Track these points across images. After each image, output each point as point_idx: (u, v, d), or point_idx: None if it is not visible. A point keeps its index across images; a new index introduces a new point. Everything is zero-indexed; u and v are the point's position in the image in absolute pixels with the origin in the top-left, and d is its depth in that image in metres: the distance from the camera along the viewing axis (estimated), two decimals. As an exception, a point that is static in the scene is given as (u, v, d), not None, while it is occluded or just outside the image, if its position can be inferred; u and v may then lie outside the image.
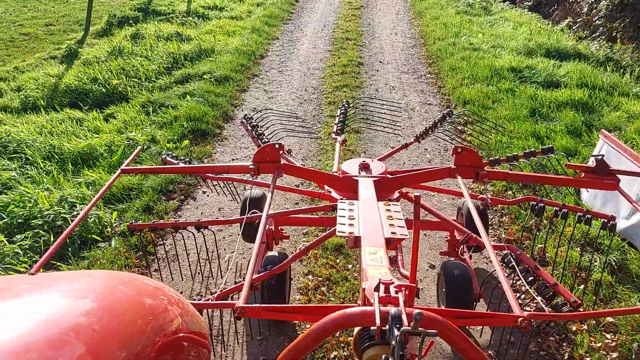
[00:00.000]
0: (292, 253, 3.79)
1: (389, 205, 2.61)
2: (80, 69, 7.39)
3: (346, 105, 4.21)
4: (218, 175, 3.48)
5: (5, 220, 3.85)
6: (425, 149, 5.45)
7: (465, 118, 6.11)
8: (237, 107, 6.63)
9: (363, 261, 2.16)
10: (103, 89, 6.75)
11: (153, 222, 3.12)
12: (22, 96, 6.68)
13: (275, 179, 3.08)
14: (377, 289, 1.78)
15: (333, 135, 3.90)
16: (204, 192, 4.60)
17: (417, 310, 1.28)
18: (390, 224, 2.43)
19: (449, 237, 3.47)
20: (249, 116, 3.84)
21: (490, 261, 3.33)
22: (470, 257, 3.53)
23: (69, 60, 8.06)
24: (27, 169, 4.76)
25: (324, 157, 5.28)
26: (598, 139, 4.70)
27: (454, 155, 3.06)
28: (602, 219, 2.94)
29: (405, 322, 1.45)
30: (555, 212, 2.98)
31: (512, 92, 6.60)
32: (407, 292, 1.72)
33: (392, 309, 1.48)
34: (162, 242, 3.96)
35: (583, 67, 7.23)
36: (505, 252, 2.90)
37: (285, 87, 7.33)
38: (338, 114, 4.14)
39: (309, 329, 1.56)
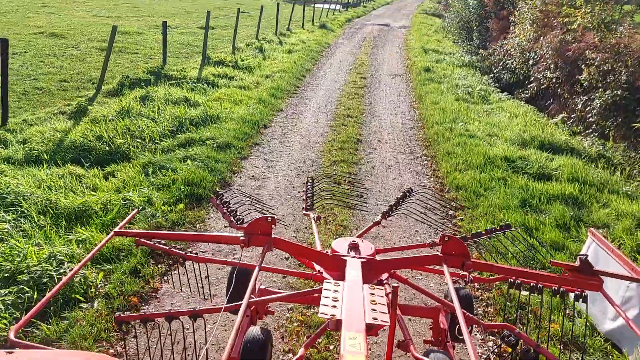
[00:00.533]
0: (276, 329, 3.77)
1: (374, 289, 2.64)
2: (87, 126, 7.60)
3: (312, 182, 4.33)
4: (201, 257, 3.50)
5: (-9, 273, 3.85)
6: (416, 230, 5.52)
7: (456, 203, 6.23)
8: (236, 174, 6.77)
9: (342, 346, 2.17)
10: (107, 147, 6.91)
11: (143, 313, 3.03)
12: (26, 148, 6.82)
13: (264, 252, 3.12)
14: (349, 381, 1.79)
15: (303, 212, 3.98)
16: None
17: None
18: (372, 309, 2.45)
19: (432, 325, 3.46)
20: (219, 193, 3.92)
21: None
22: (454, 347, 3.51)
23: (78, 117, 8.29)
24: (21, 222, 4.79)
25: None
26: (587, 236, 4.78)
27: (441, 244, 3.12)
28: (575, 292, 3.05)
29: None
30: (531, 287, 3.09)
31: (504, 181, 6.76)
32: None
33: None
34: (144, 307, 3.93)
35: (575, 162, 7.45)
36: (505, 331, 2.91)
37: (285, 158, 7.51)
38: (305, 190, 4.24)
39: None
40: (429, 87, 12.75)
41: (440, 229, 5.44)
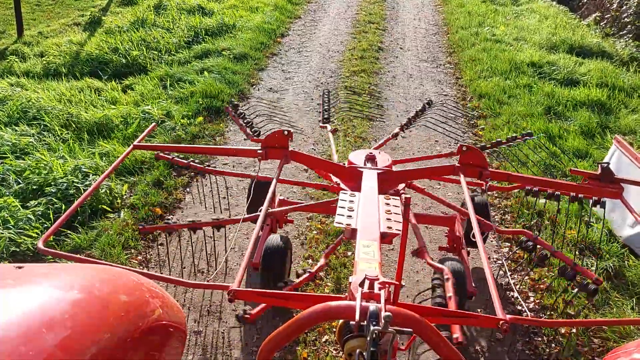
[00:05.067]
0: (296, 237, 3.89)
1: (389, 199, 2.67)
2: (102, 37, 7.48)
3: (328, 94, 4.27)
4: (220, 170, 3.57)
5: (20, 185, 3.99)
6: (436, 141, 5.46)
7: (479, 112, 6.10)
8: (254, 86, 6.68)
9: (356, 253, 2.23)
10: (123, 60, 6.84)
11: (167, 224, 3.14)
12: (44, 62, 6.80)
13: (282, 164, 3.16)
14: (362, 284, 1.85)
15: (320, 125, 3.96)
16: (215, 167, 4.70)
17: (387, 313, 1.35)
18: (387, 219, 2.49)
19: (448, 232, 3.53)
20: (235, 103, 3.88)
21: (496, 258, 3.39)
22: (468, 253, 3.59)
23: (92, 28, 8.15)
24: (45, 136, 4.89)
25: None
26: (612, 143, 4.68)
27: (459, 154, 3.09)
28: (593, 198, 3.07)
29: (383, 318, 1.53)
30: (548, 194, 3.13)
31: (529, 88, 6.54)
32: (390, 290, 1.79)
33: (372, 306, 1.55)
34: (169, 217, 4.08)
35: (605, 66, 7.12)
36: (522, 237, 2.99)
37: (304, 68, 7.34)
38: (321, 102, 4.19)
39: (292, 318, 1.64)
40: (454, -12, 12.02)
41: (460, 139, 5.38)
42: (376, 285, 1.82)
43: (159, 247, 3.65)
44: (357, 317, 1.55)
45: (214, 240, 3.27)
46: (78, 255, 2.60)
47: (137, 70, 6.68)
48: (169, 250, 3.54)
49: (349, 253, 3.74)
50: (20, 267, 1.01)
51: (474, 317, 2.04)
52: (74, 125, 5.12)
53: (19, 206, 3.72)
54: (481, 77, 6.95)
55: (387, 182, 3.13)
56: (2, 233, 3.40)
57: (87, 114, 5.31)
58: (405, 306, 1.94)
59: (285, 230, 3.92)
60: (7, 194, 3.89)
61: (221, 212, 4.03)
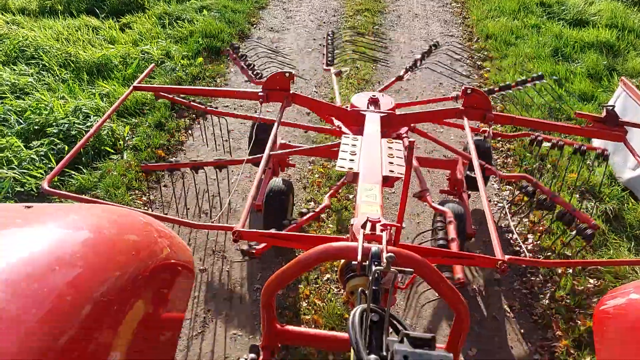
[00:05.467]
0: (298, 181, 3.91)
1: (392, 143, 2.66)
2: (97, -27, 7.22)
3: (331, 36, 4.16)
4: (221, 111, 3.53)
5: (22, 126, 3.97)
6: (440, 83, 5.38)
7: (485, 54, 5.97)
8: (254, 26, 6.51)
9: (358, 196, 2.25)
10: (120, -4, 6.63)
11: (168, 163, 3.12)
12: (39, -2, 6.61)
13: (283, 107, 3.12)
14: (364, 226, 1.88)
15: (324, 67, 3.88)
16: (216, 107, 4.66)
17: (390, 254, 1.38)
18: (389, 162, 2.49)
19: (449, 176, 3.54)
20: (236, 45, 3.79)
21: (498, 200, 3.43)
22: (469, 196, 3.62)
23: (86, -37, 7.84)
24: (44, 76, 4.82)
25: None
26: (618, 86, 4.61)
27: (463, 96, 3.06)
28: (597, 151, 3.09)
29: (384, 258, 1.56)
30: (552, 144, 3.12)
31: (537, 29, 6.37)
32: (392, 232, 1.82)
33: (374, 247, 1.58)
34: (172, 159, 4.09)
35: (616, 6, 6.89)
36: (523, 182, 3.02)
37: (306, 7, 7.13)
38: (325, 44, 4.09)
39: (296, 258, 1.68)
40: None
41: (464, 82, 5.29)
42: (378, 227, 1.84)
43: (163, 188, 3.68)
44: (359, 257, 1.59)
45: (217, 182, 3.29)
46: (83, 196, 2.62)
47: (134, 8, 6.50)
48: (173, 191, 3.56)
49: (351, 196, 3.77)
50: (29, 207, 1.01)
51: (473, 258, 2.09)
52: (72, 65, 5.04)
53: (22, 147, 3.72)
54: (489, 17, 6.75)
55: (390, 126, 3.11)
56: (7, 173, 3.42)
57: (86, 53, 5.21)
58: (406, 247, 1.98)
59: (287, 174, 3.93)
60: (10, 134, 3.89)
61: (223, 154, 4.04)
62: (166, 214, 3.44)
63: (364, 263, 1.59)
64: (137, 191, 3.67)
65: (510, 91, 3.70)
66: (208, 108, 3.38)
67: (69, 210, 1.09)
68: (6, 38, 5.32)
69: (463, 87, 3.05)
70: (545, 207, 2.83)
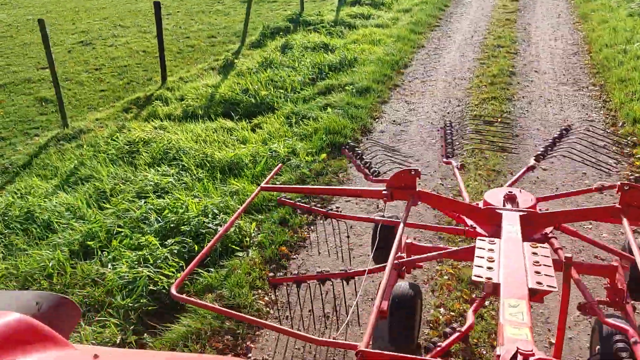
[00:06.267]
0: (425, 282, 3.62)
1: (536, 247, 2.33)
2: (234, 79, 7.93)
3: (450, 126, 3.93)
4: (342, 214, 3.44)
5: (160, 224, 4.22)
6: (583, 173, 4.87)
7: (635, 139, 5.37)
8: (377, 120, 6.57)
9: (501, 314, 1.94)
10: (252, 100, 7.15)
11: (296, 275, 3.07)
12: (183, 105, 7.35)
13: (409, 206, 2.95)
14: (514, 359, 1.57)
15: (444, 160, 3.65)
16: (337, 207, 4.61)
17: None
18: (536, 272, 2.16)
19: (607, 284, 3.03)
20: (351, 144, 3.75)
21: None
22: (634, 308, 3.05)
23: (225, 71, 8.69)
24: (182, 175, 5.19)
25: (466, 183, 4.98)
26: None
27: (619, 193, 2.65)
28: None
29: None
30: None
31: (698, 109, 5.64)
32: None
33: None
34: (295, 256, 4.04)
35: None
36: None
37: (428, 99, 7.10)
38: (443, 135, 3.87)
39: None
40: (594, 3, 11.04)
41: (611, 172, 4.74)
42: (532, 363, 1.53)
43: (286, 287, 3.60)
44: None
45: (343, 292, 3.13)
46: (208, 303, 2.61)
47: (265, 109, 6.94)
48: (297, 298, 3.44)
49: (486, 302, 3.37)
50: (96, 357, 0.90)
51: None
52: (208, 165, 5.39)
53: (158, 245, 3.92)
54: (634, 99, 6.15)
55: (532, 226, 2.77)
56: (142, 272, 3.59)
57: (220, 153, 5.57)
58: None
59: (413, 275, 3.67)
60: (149, 232, 4.14)
61: (348, 252, 3.89)
62: (288, 315, 3.32)
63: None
64: (260, 290, 3.63)
65: None
66: (329, 212, 3.32)
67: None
68: (153, 142, 5.90)
69: (619, 183, 2.66)
70: None
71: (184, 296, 2.45)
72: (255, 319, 2.29)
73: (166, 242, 3.99)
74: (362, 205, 4.66)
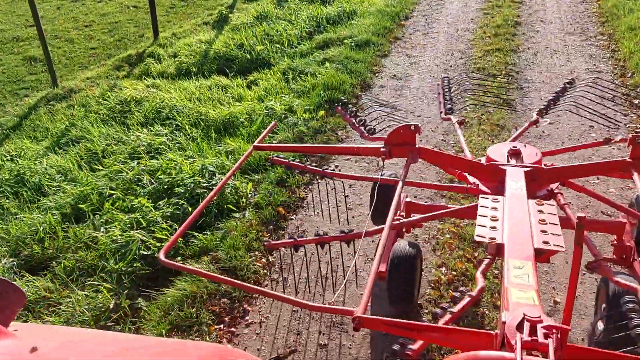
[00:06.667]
0: (426, 242, 3.52)
1: (542, 205, 2.21)
2: (229, 35, 7.64)
3: (448, 81, 3.73)
4: (339, 173, 3.31)
5: (154, 186, 4.10)
6: (590, 126, 4.70)
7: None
8: (376, 74, 6.35)
9: (505, 277, 1.83)
10: (248, 55, 6.90)
11: (293, 240, 2.90)
12: (177, 62, 7.10)
13: (408, 164, 2.81)
14: (520, 327, 1.47)
15: (442, 116, 3.47)
16: (336, 166, 4.48)
17: None
18: (542, 230, 2.04)
19: (615, 241, 2.92)
20: (345, 101, 3.56)
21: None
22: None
23: (220, 26, 8.38)
24: (176, 135, 5.03)
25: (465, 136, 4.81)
26: None
27: (630, 146, 2.51)
28: None
29: None
30: None
31: None
32: (558, 336, 1.39)
33: (540, 367, 1.19)
34: (292, 217, 3.94)
35: None
36: None
37: (430, 52, 6.84)
38: (440, 92, 3.68)
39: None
40: (604, -53, 10.53)
41: (620, 124, 4.56)
42: (540, 331, 1.42)
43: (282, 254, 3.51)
44: None
45: (341, 251, 3.02)
46: (196, 268, 2.51)
47: (261, 65, 6.70)
48: (292, 262, 3.35)
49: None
50: (34, 350, 0.78)
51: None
52: (202, 124, 5.22)
53: (152, 207, 3.81)
54: (644, 48, 5.90)
55: (538, 182, 2.64)
56: (134, 235, 3.49)
57: (215, 111, 5.39)
58: (576, 350, 1.52)
59: (413, 234, 3.57)
60: (142, 194, 4.03)
61: (343, 212, 3.78)
62: (285, 277, 3.24)
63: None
64: (257, 252, 3.54)
65: None
66: (326, 171, 3.17)
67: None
68: (146, 101, 5.70)
69: (631, 135, 2.50)
70: None
71: (172, 261, 2.35)
72: (244, 283, 2.19)
73: (159, 205, 3.87)
74: (362, 163, 4.53)
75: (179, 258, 3.44)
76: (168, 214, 3.74)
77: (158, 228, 3.57)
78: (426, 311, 2.99)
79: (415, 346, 1.96)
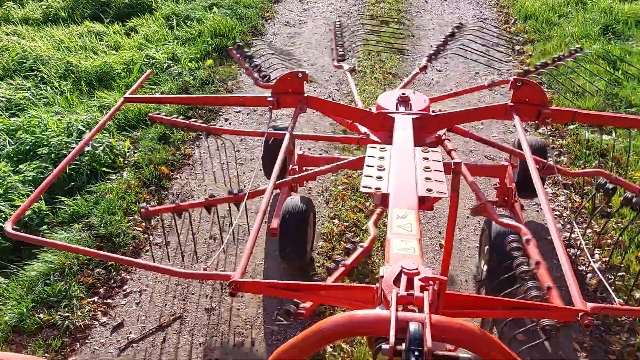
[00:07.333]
0: (320, 194, 3.42)
1: (427, 152, 2.14)
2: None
3: (340, 27, 3.62)
4: (225, 129, 3.05)
5: (13, 147, 3.60)
6: (476, 72, 4.79)
7: (525, 36, 5.35)
8: (268, 21, 6.03)
9: (389, 228, 1.75)
10: (126, -2, 6.25)
11: (174, 205, 2.58)
12: (43, 6, 6.29)
13: (297, 114, 2.64)
14: (397, 280, 1.38)
15: (334, 64, 3.35)
16: (226, 120, 4.21)
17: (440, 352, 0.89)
18: (426, 178, 1.98)
19: (497, 184, 2.99)
20: (239, 44, 3.30)
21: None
22: (522, 208, 3.07)
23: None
24: (42, 89, 4.46)
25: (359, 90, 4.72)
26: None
27: (512, 90, 2.52)
28: None
29: (429, 340, 1.08)
30: (625, 199, 2.23)
31: (582, 5, 5.71)
32: (436, 287, 1.31)
33: (412, 326, 1.11)
34: (177, 176, 3.65)
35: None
36: (601, 179, 2.45)
37: (323, -2, 6.60)
38: (333, 37, 3.55)
39: (308, 329, 1.21)
40: None
41: (503, 69, 4.70)
42: (416, 283, 1.34)
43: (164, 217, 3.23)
44: (391, 339, 1.11)
45: (230, 213, 2.81)
46: (52, 241, 2.20)
47: (141, 10, 6.10)
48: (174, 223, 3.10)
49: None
50: None
51: (548, 309, 1.56)
52: (73, 76, 4.66)
53: (10, 172, 3.33)
54: (526, -5, 6.10)
55: (425, 129, 2.60)
56: (-12, 205, 3.04)
57: (87, 62, 4.84)
58: (454, 298, 1.47)
59: (307, 187, 3.44)
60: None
61: (235, 168, 3.56)
62: (168, 241, 2.99)
63: (398, 347, 1.12)
64: (136, 216, 3.23)
65: (554, 73, 3.11)
66: (211, 127, 2.91)
67: None
68: (5, 50, 4.99)
69: (512, 79, 2.51)
70: (634, 205, 2.21)
71: (22, 233, 2.02)
72: (108, 254, 1.94)
73: (20, 169, 3.40)
74: (254, 116, 4.28)
75: (45, 227, 3.05)
76: (30, 178, 3.29)
77: (17, 195, 3.13)
78: (318, 264, 2.91)
79: (307, 304, 1.85)
